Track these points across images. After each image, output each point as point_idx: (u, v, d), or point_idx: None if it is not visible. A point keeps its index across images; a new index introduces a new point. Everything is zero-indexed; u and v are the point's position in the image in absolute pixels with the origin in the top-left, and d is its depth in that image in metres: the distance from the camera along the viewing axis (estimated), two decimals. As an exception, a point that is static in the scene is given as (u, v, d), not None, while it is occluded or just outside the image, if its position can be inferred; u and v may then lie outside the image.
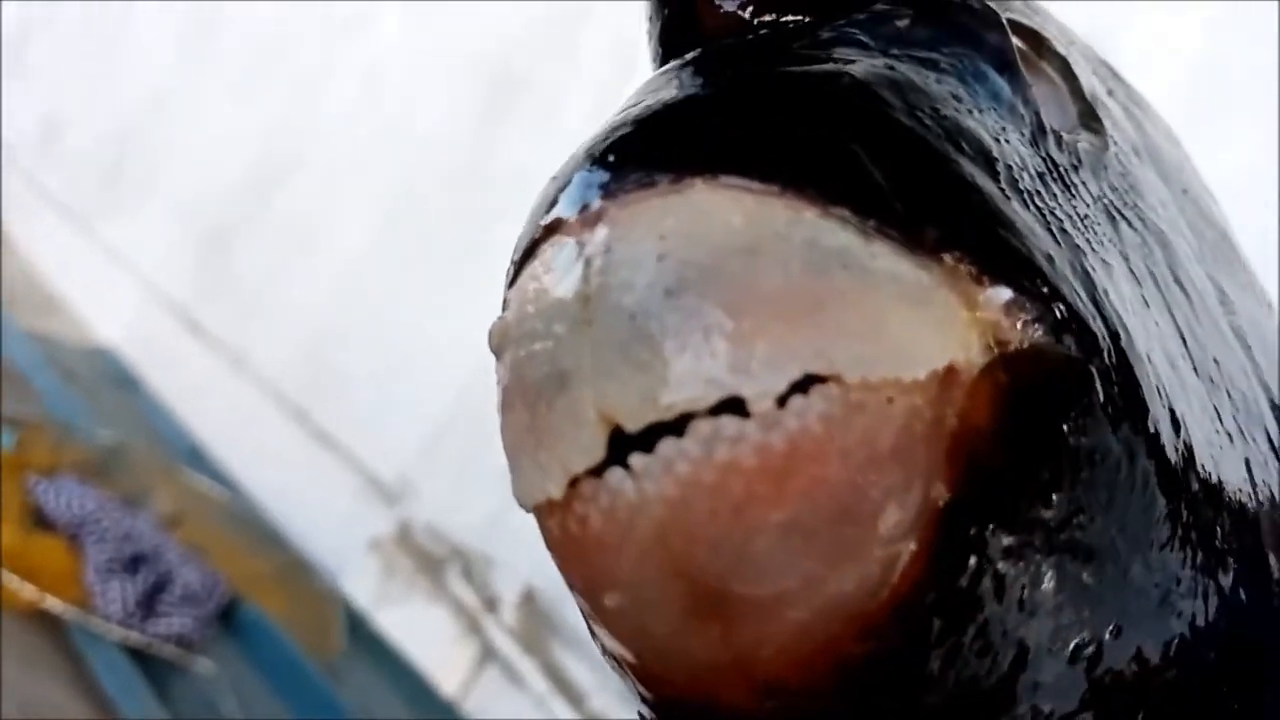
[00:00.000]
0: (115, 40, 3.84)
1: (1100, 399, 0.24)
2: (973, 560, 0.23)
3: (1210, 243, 0.34)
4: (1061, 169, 0.28)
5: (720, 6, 0.28)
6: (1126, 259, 0.28)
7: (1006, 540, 0.24)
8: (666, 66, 0.28)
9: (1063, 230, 0.26)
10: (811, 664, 0.23)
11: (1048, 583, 0.24)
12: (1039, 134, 0.28)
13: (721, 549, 0.23)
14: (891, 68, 0.26)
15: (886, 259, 0.23)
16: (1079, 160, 0.29)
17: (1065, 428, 0.24)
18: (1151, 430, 0.26)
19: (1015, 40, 0.29)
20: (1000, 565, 0.24)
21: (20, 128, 3.93)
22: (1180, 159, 0.36)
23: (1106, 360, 0.25)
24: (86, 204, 3.66)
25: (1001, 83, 0.27)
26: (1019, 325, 0.23)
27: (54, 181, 3.83)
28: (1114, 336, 0.25)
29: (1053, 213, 0.26)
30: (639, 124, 0.25)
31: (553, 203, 0.26)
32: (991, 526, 0.24)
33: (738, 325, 0.23)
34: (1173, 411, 0.26)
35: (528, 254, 0.26)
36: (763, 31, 0.28)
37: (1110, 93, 0.34)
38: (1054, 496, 0.24)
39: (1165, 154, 0.35)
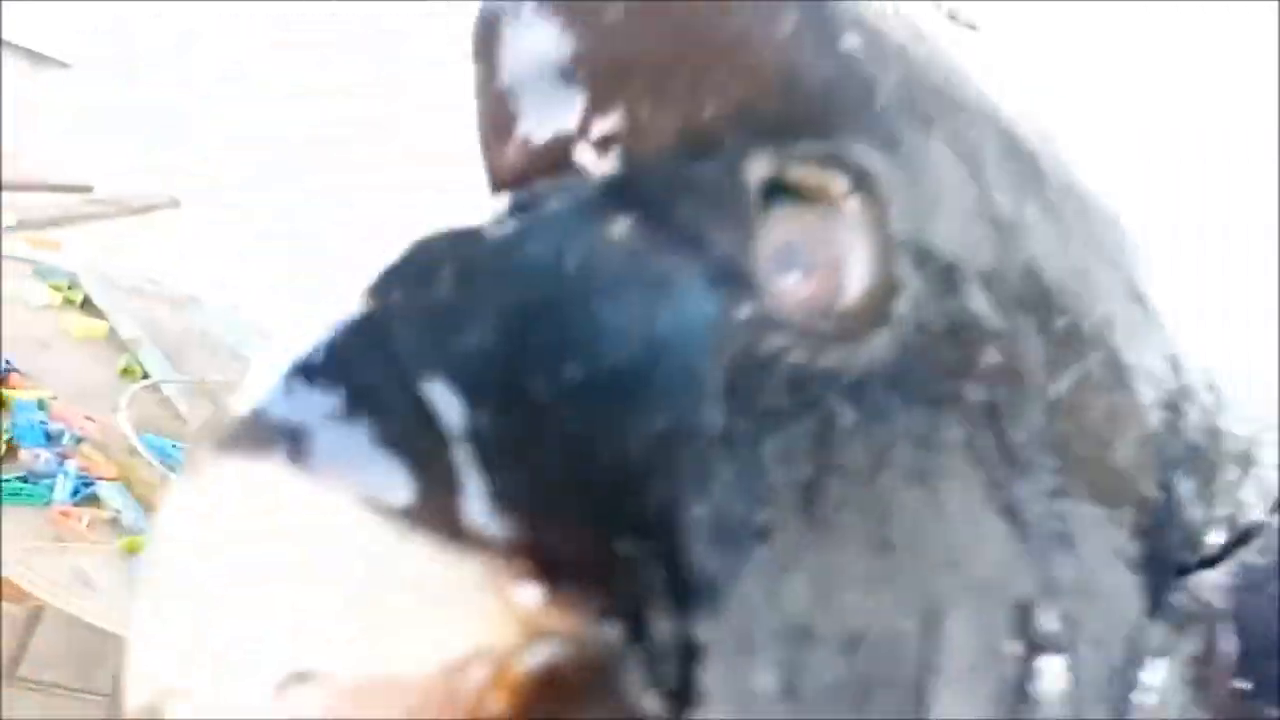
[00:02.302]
0: None
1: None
2: None
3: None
4: (796, 374, 0.25)
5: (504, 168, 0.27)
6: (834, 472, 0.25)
7: None
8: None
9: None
10: None
11: None
12: (756, 343, 0.25)
13: None
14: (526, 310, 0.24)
15: (414, 559, 0.23)
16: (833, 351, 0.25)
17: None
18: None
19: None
20: None
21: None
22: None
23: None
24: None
25: (708, 298, 0.24)
26: (554, 618, 0.23)
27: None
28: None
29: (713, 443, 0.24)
30: None
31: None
32: None
33: None
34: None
35: None
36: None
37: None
38: None
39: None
